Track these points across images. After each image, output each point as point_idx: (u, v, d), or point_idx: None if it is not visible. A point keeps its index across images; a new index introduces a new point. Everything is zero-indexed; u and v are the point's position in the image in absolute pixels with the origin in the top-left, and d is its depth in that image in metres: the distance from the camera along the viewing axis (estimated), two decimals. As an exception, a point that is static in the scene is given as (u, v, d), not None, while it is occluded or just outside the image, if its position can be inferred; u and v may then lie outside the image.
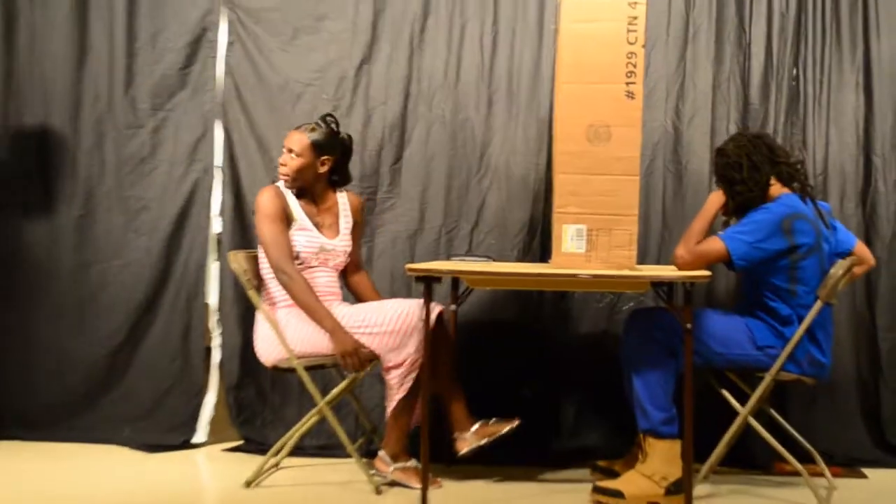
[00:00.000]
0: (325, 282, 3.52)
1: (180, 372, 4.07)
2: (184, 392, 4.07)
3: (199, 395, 4.08)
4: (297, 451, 3.63)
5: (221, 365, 4.08)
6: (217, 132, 4.09)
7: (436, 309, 3.36)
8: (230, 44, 4.09)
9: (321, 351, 3.39)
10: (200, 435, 4.04)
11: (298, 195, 3.53)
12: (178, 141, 4.09)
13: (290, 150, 3.49)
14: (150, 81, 4.09)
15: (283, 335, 3.40)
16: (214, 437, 4.06)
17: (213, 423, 4.09)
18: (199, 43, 4.10)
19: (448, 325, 3.56)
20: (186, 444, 3.98)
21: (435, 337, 3.29)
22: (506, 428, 3.35)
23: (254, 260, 3.52)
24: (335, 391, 3.47)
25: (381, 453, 3.46)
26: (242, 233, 4.03)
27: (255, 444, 3.93)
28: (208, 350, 4.13)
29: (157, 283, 4.08)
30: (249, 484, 3.39)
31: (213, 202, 4.10)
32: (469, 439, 3.37)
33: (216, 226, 4.10)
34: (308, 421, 3.49)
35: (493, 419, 3.40)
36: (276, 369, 3.51)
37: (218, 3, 4.09)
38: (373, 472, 3.45)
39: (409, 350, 3.34)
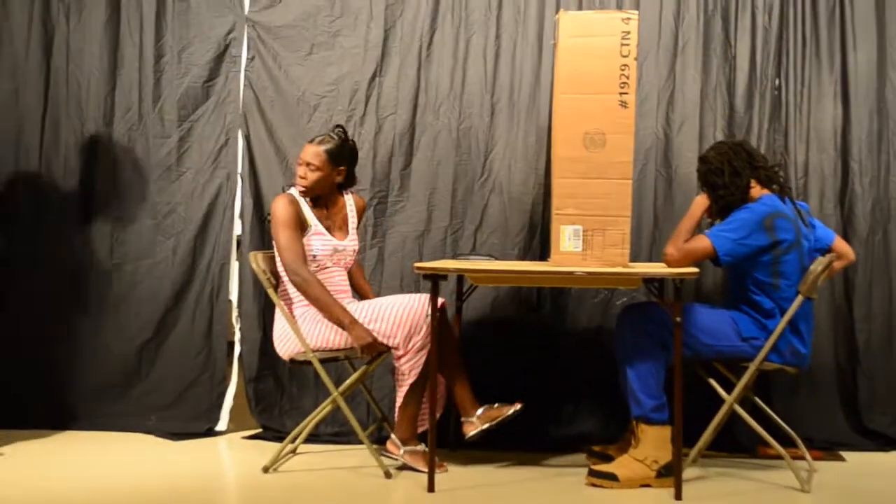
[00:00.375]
0: (338, 280, 3.59)
1: (204, 364, 4.13)
2: (207, 383, 4.12)
3: (221, 386, 4.13)
4: (312, 437, 3.70)
5: (241, 358, 4.12)
6: (238, 141, 4.16)
7: (438, 302, 3.41)
8: (251, 59, 4.15)
9: (334, 345, 3.47)
10: (222, 424, 4.09)
11: (313, 202, 3.60)
12: (203, 149, 4.16)
13: (309, 164, 3.53)
14: (177, 94, 4.17)
15: (300, 330, 3.47)
16: (235, 425, 4.12)
17: (234, 412, 4.14)
18: (222, 58, 4.17)
19: (450, 317, 3.63)
20: (210, 432, 4.04)
21: (438, 327, 3.34)
22: (509, 411, 3.40)
23: (272, 260, 3.58)
24: (348, 382, 3.52)
25: (393, 437, 3.54)
26: (261, 234, 4.09)
27: (272, 432, 3.99)
28: (231, 344, 4.19)
29: (183, 282, 4.14)
30: (267, 469, 3.45)
31: (235, 206, 4.15)
32: (475, 423, 3.43)
33: (237, 228, 4.16)
34: (323, 410, 3.55)
35: (497, 404, 3.45)
36: (293, 362, 3.57)
37: (240, 22, 4.16)
38: (384, 454, 3.51)
39: (416, 338, 3.42)
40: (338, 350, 3.48)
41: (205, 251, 4.16)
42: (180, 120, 4.18)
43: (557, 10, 3.85)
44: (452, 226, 4.09)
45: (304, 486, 3.31)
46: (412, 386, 3.46)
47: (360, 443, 3.54)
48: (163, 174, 4.18)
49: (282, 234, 3.47)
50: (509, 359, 3.99)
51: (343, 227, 3.65)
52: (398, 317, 3.42)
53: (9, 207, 4.18)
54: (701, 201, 3.49)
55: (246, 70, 4.17)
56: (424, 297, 3.43)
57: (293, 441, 3.59)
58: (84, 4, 4.21)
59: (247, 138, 4.16)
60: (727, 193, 3.41)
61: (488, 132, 4.10)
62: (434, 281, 3.27)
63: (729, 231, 3.32)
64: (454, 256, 3.97)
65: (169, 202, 4.17)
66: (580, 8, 4.07)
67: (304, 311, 3.51)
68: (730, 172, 3.40)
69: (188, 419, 4.08)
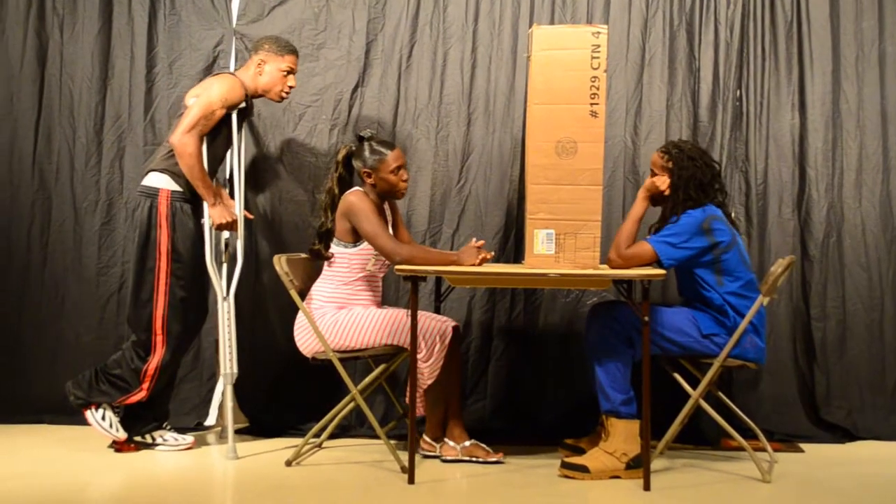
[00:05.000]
0: (378, 283, 3.52)
1: (194, 362, 4.00)
2: (197, 380, 4.01)
3: (210, 382, 4.03)
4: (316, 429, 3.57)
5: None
6: (227, 148, 4.04)
7: (451, 323, 3.39)
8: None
9: (354, 345, 3.37)
10: (211, 418, 4.00)
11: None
12: (193, 156, 4.04)
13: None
14: (168, 104, 4.04)
15: (320, 330, 3.34)
16: (223, 420, 3.98)
17: (221, 407, 4.00)
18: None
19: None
20: (199, 427, 3.94)
21: (450, 350, 3.33)
22: (491, 458, 3.39)
23: (294, 263, 3.45)
24: (367, 380, 3.45)
25: (446, 440, 3.44)
26: (249, 238, 3.94)
27: (258, 426, 3.90)
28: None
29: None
30: (290, 463, 3.36)
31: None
32: (457, 450, 3.40)
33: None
34: (343, 408, 3.45)
35: (485, 445, 3.43)
36: (314, 360, 3.45)
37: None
38: (425, 452, 3.44)
39: (435, 349, 3.34)
40: (358, 350, 3.38)
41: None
42: (171, 128, 3.96)
43: (531, 25, 3.81)
44: (431, 229, 4.00)
45: (322, 479, 3.22)
46: (429, 389, 3.37)
47: (358, 436, 3.56)
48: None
49: (369, 221, 3.33)
50: (485, 356, 3.92)
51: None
52: (424, 332, 3.34)
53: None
54: (644, 198, 3.41)
55: (234, 81, 4.03)
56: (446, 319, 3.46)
57: (316, 437, 3.50)
58: (77, 17, 4.09)
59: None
60: (693, 205, 3.34)
61: (465, 140, 4.02)
62: (414, 283, 3.19)
63: (670, 237, 3.28)
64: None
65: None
66: (552, 22, 4.00)
67: (325, 310, 3.39)
68: (705, 190, 3.36)
69: (179, 414, 3.94)
